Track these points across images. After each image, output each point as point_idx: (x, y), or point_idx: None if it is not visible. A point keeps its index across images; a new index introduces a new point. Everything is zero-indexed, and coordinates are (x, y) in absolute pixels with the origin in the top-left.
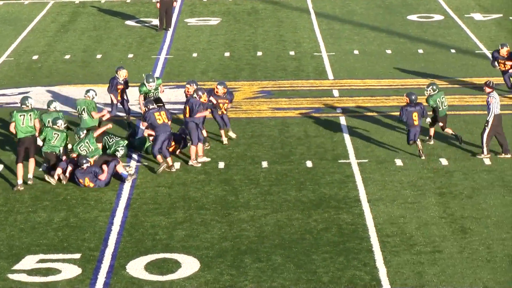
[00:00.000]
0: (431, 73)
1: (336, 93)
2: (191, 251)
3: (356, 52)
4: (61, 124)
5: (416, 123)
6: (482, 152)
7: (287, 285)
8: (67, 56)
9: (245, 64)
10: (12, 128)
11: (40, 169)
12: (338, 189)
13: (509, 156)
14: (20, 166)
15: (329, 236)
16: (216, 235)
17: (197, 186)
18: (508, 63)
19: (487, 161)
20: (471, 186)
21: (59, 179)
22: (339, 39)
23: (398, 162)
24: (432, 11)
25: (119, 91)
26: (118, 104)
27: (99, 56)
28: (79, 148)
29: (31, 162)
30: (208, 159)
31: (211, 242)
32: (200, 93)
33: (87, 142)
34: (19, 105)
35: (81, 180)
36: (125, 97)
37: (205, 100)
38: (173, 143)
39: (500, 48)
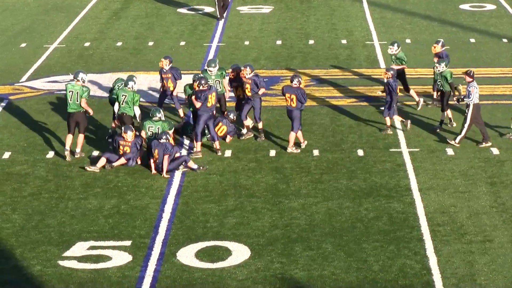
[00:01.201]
0: (482, 62)
1: None
2: (241, 238)
3: (408, 41)
4: (132, 86)
5: (399, 95)
6: (455, 139)
7: (337, 273)
8: (119, 43)
9: (297, 52)
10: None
11: (93, 155)
12: (389, 177)
13: (489, 144)
14: (69, 136)
15: (379, 225)
16: (267, 223)
17: (248, 174)
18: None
19: None
20: None
21: (103, 167)
22: (391, 28)
23: (449, 151)
24: (484, 1)
25: (164, 81)
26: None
27: (151, 43)
28: (148, 127)
29: (80, 137)
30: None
31: (261, 230)
32: (300, 79)
33: (158, 128)
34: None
35: (152, 149)
36: (171, 88)
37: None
38: (220, 124)
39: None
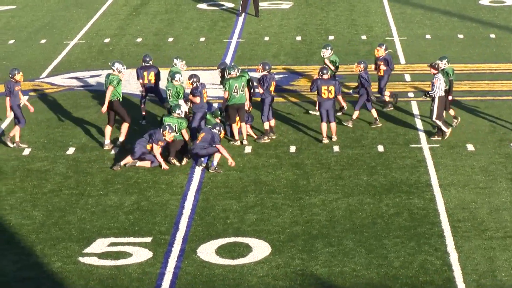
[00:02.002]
0: (502, 58)
1: (407, 77)
2: (262, 235)
3: (428, 36)
4: (178, 78)
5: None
6: (442, 131)
7: (358, 270)
8: (139, 40)
9: (317, 48)
10: None
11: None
12: (409, 173)
13: (440, 138)
14: (107, 128)
15: (400, 221)
16: (287, 219)
17: (268, 170)
18: (382, 67)
19: None
20: None
21: (125, 165)
22: (411, 23)
23: (470, 147)
24: None
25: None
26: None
27: (170, 39)
28: (166, 123)
29: (124, 126)
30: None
31: (282, 226)
32: (328, 69)
33: (175, 126)
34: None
35: (199, 132)
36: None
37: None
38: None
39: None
